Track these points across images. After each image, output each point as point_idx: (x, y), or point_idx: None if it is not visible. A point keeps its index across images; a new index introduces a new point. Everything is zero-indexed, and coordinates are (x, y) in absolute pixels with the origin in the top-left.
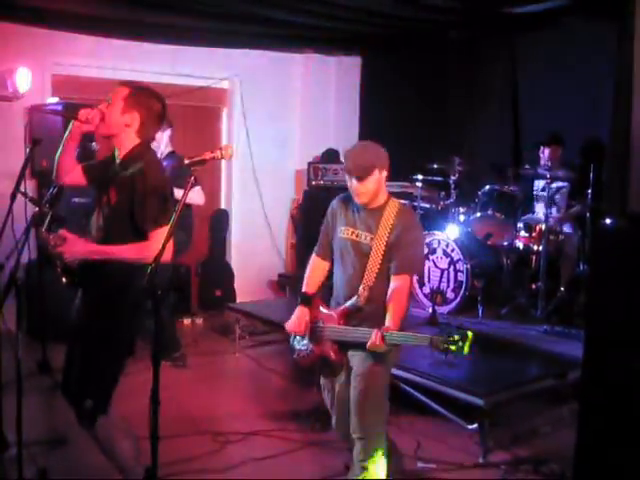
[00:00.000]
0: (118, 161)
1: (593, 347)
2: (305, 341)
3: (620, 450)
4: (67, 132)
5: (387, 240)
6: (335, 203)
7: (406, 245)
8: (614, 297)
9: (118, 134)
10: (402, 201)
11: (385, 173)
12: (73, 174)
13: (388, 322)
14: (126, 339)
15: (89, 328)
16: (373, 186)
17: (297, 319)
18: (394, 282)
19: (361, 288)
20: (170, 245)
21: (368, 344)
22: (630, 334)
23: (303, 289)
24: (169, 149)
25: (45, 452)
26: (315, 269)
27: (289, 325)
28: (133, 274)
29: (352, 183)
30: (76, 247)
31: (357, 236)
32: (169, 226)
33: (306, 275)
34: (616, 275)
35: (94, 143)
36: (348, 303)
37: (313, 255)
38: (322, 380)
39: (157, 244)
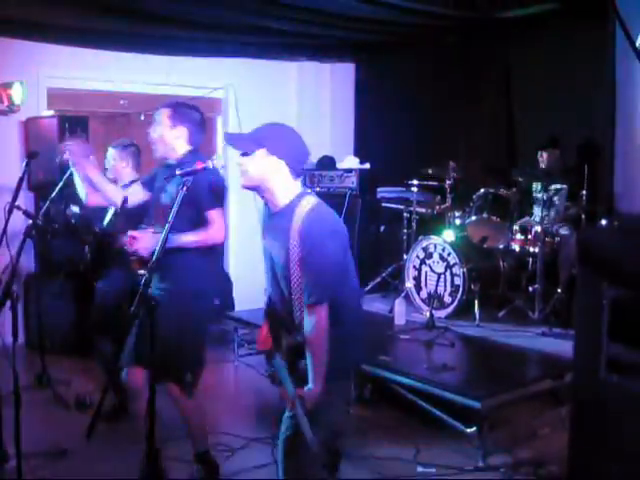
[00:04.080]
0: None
1: (583, 347)
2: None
3: (613, 451)
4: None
5: (299, 255)
6: None
7: (311, 261)
8: (602, 296)
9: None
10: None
11: (283, 164)
12: (138, 196)
13: (310, 382)
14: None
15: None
16: (257, 170)
17: (258, 335)
18: (305, 318)
19: (296, 320)
20: (226, 231)
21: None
22: (620, 332)
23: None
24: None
25: (45, 464)
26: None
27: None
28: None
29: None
30: (148, 241)
31: (272, 248)
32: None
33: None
34: (603, 274)
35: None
36: (289, 337)
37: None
38: None
39: (218, 226)
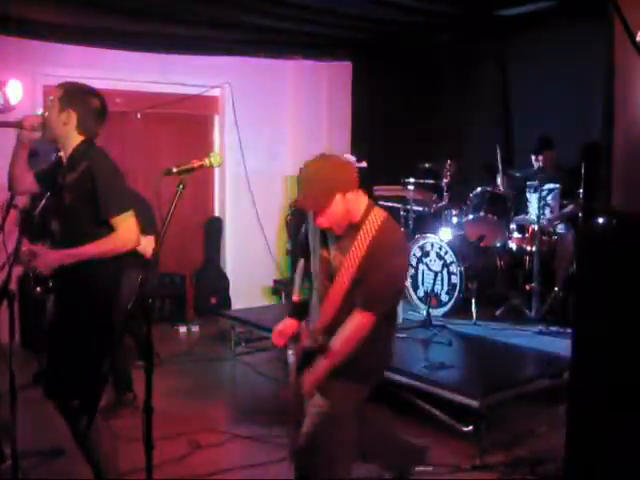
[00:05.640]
0: (65, 161)
1: (581, 345)
2: (291, 359)
3: (609, 446)
4: (17, 142)
5: (359, 263)
6: None
7: (375, 272)
8: (601, 295)
9: (60, 134)
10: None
11: (350, 194)
12: (26, 182)
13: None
14: (108, 337)
15: (69, 330)
16: (341, 212)
17: (277, 330)
18: (352, 318)
19: (320, 320)
20: (137, 233)
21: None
22: (618, 330)
23: (293, 296)
24: None
25: (42, 463)
26: (302, 274)
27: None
28: (104, 271)
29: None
30: (48, 258)
31: (329, 256)
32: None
33: (295, 281)
34: (602, 273)
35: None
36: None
37: (300, 260)
38: None
39: (125, 231)
